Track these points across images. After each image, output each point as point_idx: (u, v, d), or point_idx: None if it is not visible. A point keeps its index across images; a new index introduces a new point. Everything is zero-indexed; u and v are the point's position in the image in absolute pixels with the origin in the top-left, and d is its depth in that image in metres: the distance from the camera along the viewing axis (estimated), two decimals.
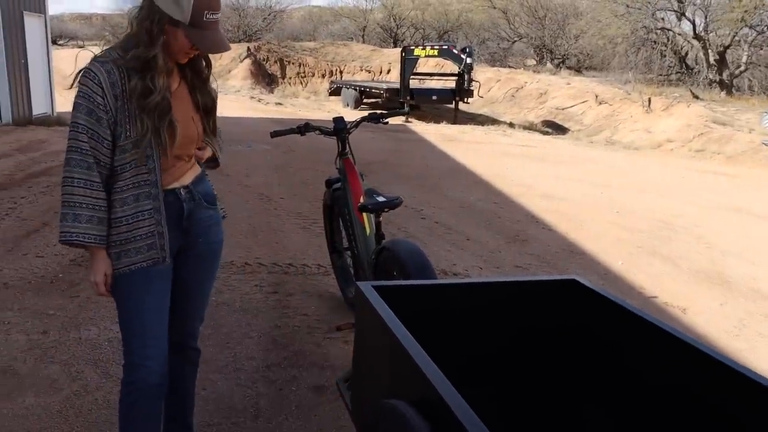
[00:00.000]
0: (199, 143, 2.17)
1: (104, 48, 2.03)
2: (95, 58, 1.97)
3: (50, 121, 13.28)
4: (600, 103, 17.76)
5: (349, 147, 3.88)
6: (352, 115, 4.24)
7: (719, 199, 8.29)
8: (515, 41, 33.19)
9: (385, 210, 3.42)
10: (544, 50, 31.46)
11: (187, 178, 2.16)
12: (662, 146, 13.76)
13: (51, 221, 5.55)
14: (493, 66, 26.80)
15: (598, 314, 2.12)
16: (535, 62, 31.55)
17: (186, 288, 2.27)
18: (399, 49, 20.85)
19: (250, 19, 35.55)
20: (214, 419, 2.87)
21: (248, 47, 27.27)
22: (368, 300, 1.91)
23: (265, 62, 27.03)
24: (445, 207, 7.17)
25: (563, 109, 18.68)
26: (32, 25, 13.47)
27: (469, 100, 17.94)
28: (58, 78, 14.40)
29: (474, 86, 17.43)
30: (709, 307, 4.62)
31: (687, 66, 23.75)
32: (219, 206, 2.35)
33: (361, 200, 3.52)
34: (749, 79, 22.41)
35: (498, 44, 32.83)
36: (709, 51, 21.95)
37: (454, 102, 17.94)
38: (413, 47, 18.82)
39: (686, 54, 23.84)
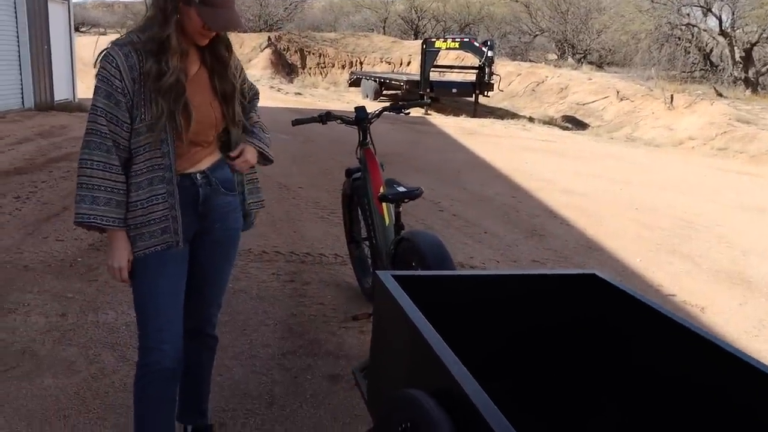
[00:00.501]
0: (218, 129, 2.14)
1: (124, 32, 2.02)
2: (114, 42, 1.97)
3: (71, 106, 13.41)
4: (621, 99, 17.57)
5: (370, 137, 3.86)
6: (371, 106, 4.26)
7: (741, 199, 8.18)
8: (537, 35, 32.93)
9: (406, 200, 3.40)
10: (565, 45, 31.15)
11: (204, 164, 2.14)
12: (684, 144, 13.60)
13: (71, 205, 5.51)
14: (514, 60, 26.61)
15: (618, 309, 2.09)
16: (556, 57, 31.26)
17: (203, 274, 2.27)
18: (420, 41, 20.79)
19: (272, 8, 35.58)
20: (229, 405, 2.88)
21: (269, 37, 27.33)
22: (387, 289, 1.89)
23: (285, 52, 27.06)
24: (463, 200, 7.14)
25: (584, 104, 18.51)
26: (56, 12, 13.60)
27: (489, 93, 17.84)
28: (80, 65, 14.52)
29: (494, 80, 17.33)
30: (728, 306, 4.55)
31: (711, 63, 23.43)
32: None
33: (381, 190, 3.50)
34: None
35: (519, 38, 32.60)
36: (735, 48, 21.62)
37: (474, 95, 17.86)
38: (434, 39, 18.74)
39: (711, 51, 23.50)
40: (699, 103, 15.43)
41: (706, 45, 23.42)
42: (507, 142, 12.53)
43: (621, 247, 5.74)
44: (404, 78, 19.60)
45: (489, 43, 17.42)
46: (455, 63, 21.28)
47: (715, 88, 19.55)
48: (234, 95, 2.15)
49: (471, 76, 18.21)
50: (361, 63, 27.12)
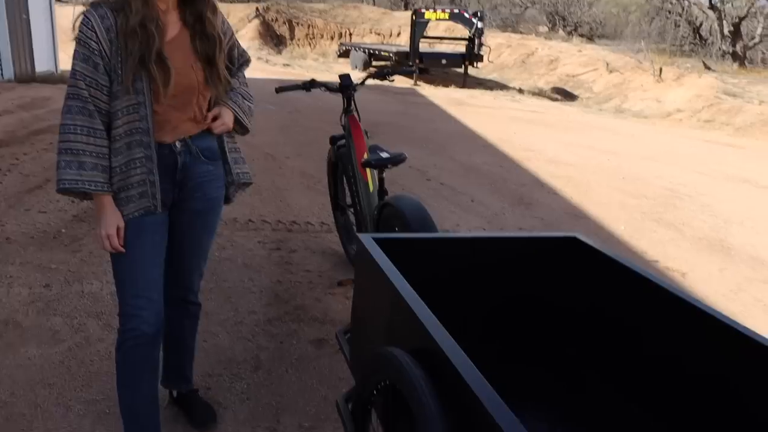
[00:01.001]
0: (200, 94, 2.09)
1: None
2: (90, 3, 1.94)
3: (54, 78, 13.15)
4: (611, 72, 17.52)
5: (355, 104, 3.84)
6: (360, 77, 4.21)
7: (726, 170, 8.23)
8: (527, 7, 32.65)
9: (389, 166, 3.39)
10: (556, 17, 30.94)
11: (184, 132, 2.11)
12: (671, 116, 13.62)
13: (54, 177, 5.49)
14: (505, 32, 26.41)
15: (599, 272, 2.11)
16: (547, 29, 31.07)
17: (184, 242, 2.26)
18: (410, 12, 20.55)
19: None
20: (215, 370, 2.89)
21: (257, 8, 26.90)
22: (368, 251, 1.90)
23: (273, 23, 26.68)
24: (451, 169, 7.14)
25: (574, 76, 18.45)
26: None
27: (479, 64, 17.73)
28: (62, 35, 14.25)
29: (484, 51, 17.22)
30: (708, 272, 4.61)
31: (701, 37, 23.39)
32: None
33: (365, 156, 3.49)
34: (763, 52, 22.09)
35: (510, 10, 32.32)
36: (724, 22, 21.58)
37: (463, 66, 17.74)
38: (424, 10, 18.53)
39: (701, 25, 23.47)
40: (687, 76, 15.43)
41: (696, 19, 23.37)
42: (496, 113, 12.49)
43: (607, 215, 5.77)
44: (394, 49, 19.42)
45: (479, 14, 17.29)
46: (445, 34, 21.08)
47: (703, 62, 19.55)
48: (217, 57, 2.09)
49: (461, 48, 18.07)
50: (350, 34, 26.79)
